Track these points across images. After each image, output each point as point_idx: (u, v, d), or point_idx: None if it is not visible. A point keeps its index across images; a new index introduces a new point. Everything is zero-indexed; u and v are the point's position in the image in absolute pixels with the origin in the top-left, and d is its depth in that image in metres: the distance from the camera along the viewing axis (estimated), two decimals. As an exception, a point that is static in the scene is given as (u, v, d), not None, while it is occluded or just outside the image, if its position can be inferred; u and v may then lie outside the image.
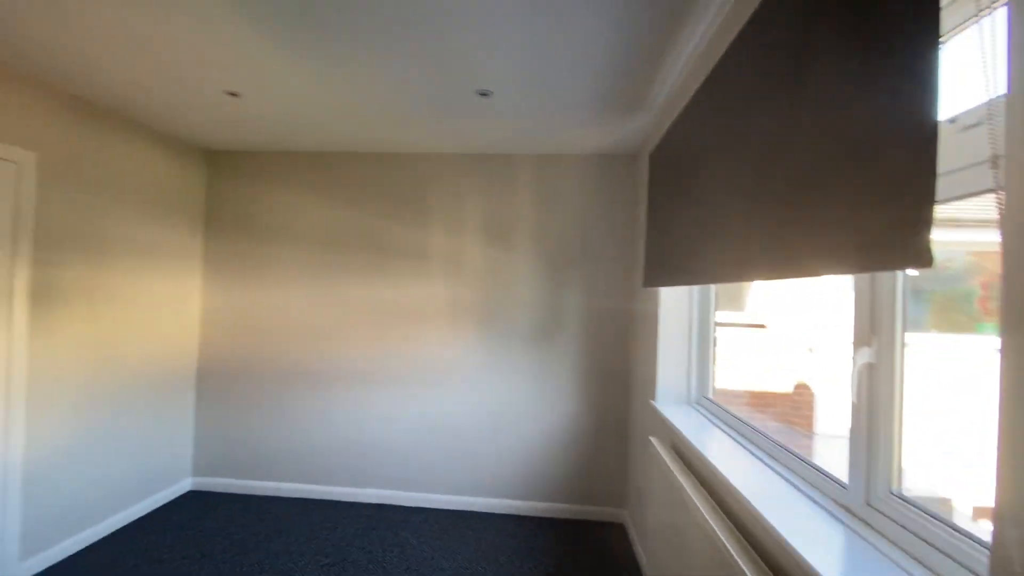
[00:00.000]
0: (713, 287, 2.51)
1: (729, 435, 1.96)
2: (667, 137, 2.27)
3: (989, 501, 0.71)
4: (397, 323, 3.38)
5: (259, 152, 3.49)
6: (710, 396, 2.42)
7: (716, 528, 1.44)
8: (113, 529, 2.86)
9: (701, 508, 1.57)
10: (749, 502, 1.34)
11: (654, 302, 2.68)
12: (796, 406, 2.70)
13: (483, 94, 2.34)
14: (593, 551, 2.81)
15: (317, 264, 3.44)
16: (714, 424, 2.14)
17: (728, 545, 1.35)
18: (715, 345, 2.51)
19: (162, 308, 3.19)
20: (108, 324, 2.81)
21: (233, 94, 2.44)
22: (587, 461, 3.25)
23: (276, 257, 3.47)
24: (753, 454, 1.72)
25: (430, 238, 3.36)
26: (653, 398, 2.58)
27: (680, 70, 2.08)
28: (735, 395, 2.87)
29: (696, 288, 2.54)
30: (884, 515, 1.15)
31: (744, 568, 1.23)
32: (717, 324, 2.62)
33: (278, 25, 1.79)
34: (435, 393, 3.34)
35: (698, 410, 2.39)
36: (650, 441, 2.35)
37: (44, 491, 2.48)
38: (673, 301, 2.56)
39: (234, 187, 3.52)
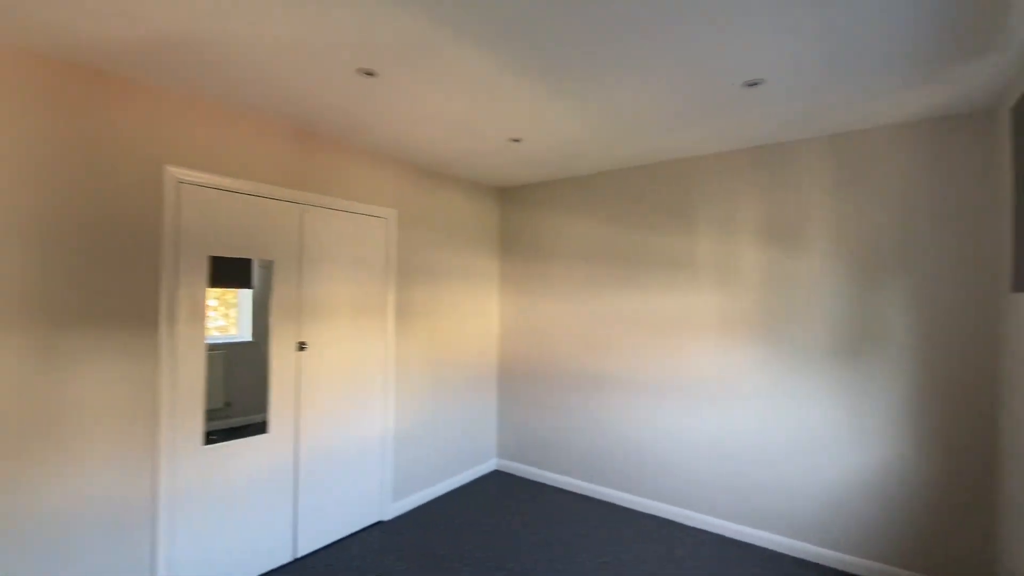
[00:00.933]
0: None
1: None
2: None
3: None
4: (664, 333, 3.32)
5: (537, 183, 4.00)
6: None
7: None
8: (445, 490, 3.69)
9: None
10: None
11: (1034, 312, 1.89)
12: None
13: (751, 84, 2.12)
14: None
15: (586, 277, 3.70)
16: None
17: None
18: None
19: (471, 319, 3.98)
20: (439, 332, 3.68)
21: (516, 140, 2.88)
22: (919, 517, 2.50)
23: (552, 273, 3.89)
24: None
25: (697, 244, 3.20)
26: (1039, 450, 1.81)
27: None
28: None
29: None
30: None
31: None
32: None
33: (549, 77, 2.04)
34: (712, 412, 3.14)
35: None
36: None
37: (405, 455, 3.40)
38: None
39: (520, 216, 4.12)
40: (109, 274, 2.08)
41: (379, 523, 3.19)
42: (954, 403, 2.43)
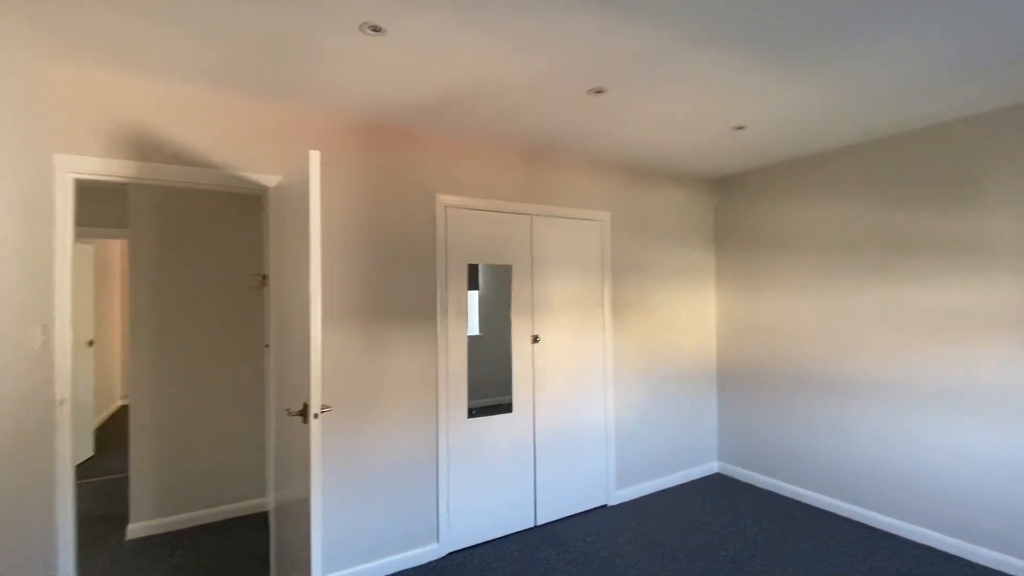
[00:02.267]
0: None
1: None
2: None
3: None
4: (932, 330, 2.78)
5: (755, 169, 3.73)
6: None
7: None
8: (664, 487, 3.72)
9: None
10: None
11: None
12: None
13: (1077, 13, 1.66)
14: None
15: (821, 267, 3.30)
16: None
17: None
18: None
19: (686, 315, 3.92)
20: (652, 327, 3.73)
21: (739, 127, 2.78)
22: None
23: (779, 266, 3.58)
24: None
25: (989, 220, 2.59)
26: None
27: None
28: None
29: None
30: None
31: None
32: None
33: (779, 57, 1.95)
34: (1006, 427, 2.51)
35: None
36: None
37: (625, 445, 3.55)
38: None
39: (737, 206, 3.90)
40: (407, 282, 2.74)
41: (604, 506, 3.40)
42: None
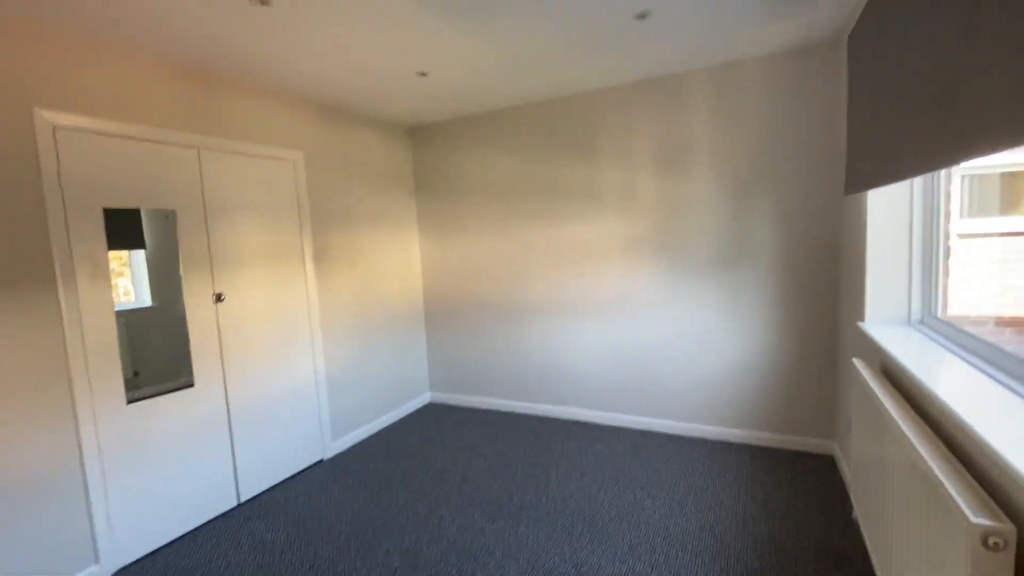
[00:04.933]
0: (947, 187, 2.06)
1: (963, 357, 1.68)
2: (868, 10, 1.90)
3: None
4: (575, 260, 3.61)
5: (447, 121, 3.99)
6: (940, 315, 2.06)
7: (923, 452, 1.33)
8: (383, 426, 3.87)
9: (906, 431, 1.45)
10: (967, 424, 1.20)
11: (860, 211, 2.33)
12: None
13: (641, 16, 2.28)
14: (799, 481, 2.72)
15: (501, 212, 3.85)
16: (942, 346, 1.84)
17: (937, 470, 1.25)
18: (947, 257, 2.09)
19: (393, 260, 4.02)
20: (360, 274, 3.69)
21: (423, 74, 2.86)
22: (789, 390, 3.07)
23: (470, 210, 4.00)
24: (997, 380, 1.46)
25: (601, 174, 3.45)
26: (862, 319, 2.31)
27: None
28: (984, 320, 2.35)
29: (917, 190, 2.13)
30: None
31: (955, 493, 1.14)
32: (964, 235, 2.17)
33: (453, 9, 2.05)
34: (618, 324, 3.52)
35: (921, 331, 2.07)
36: (852, 364, 2.14)
37: (339, 395, 3.49)
38: (885, 206, 2.20)
39: (433, 154, 4.12)
40: (-15, 232, 1.89)
41: (320, 462, 3.31)
42: (806, 298, 2.96)
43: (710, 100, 3.07)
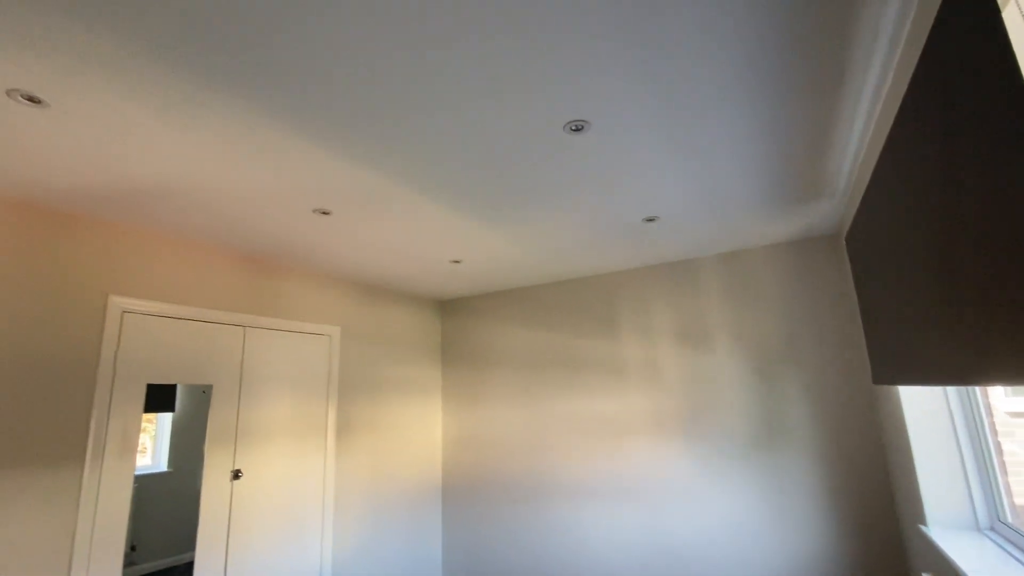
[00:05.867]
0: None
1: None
2: (858, 218, 2.11)
3: None
4: (600, 435, 3.49)
5: (475, 296, 4.29)
6: (1008, 520, 1.85)
7: None
8: (388, 628, 3.39)
9: None
10: None
11: (895, 400, 2.27)
12: None
13: (650, 220, 2.58)
14: None
15: (525, 383, 3.88)
16: (1019, 562, 1.62)
17: None
18: (1000, 453, 1.96)
19: (415, 431, 3.96)
20: (380, 446, 3.62)
21: (456, 261, 3.19)
22: (852, 603, 2.64)
23: (492, 381, 4.04)
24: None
25: (624, 349, 3.52)
26: (923, 522, 2.08)
27: (854, 153, 2.00)
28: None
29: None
30: None
31: None
32: (1014, 413, 2.07)
33: (485, 216, 2.39)
34: (647, 512, 3.24)
35: (993, 540, 1.84)
36: (925, 581, 1.87)
37: (344, 587, 3.15)
38: (920, 398, 2.14)
39: (460, 326, 4.34)
40: (41, 412, 2.00)
41: (312, 676, 2.85)
42: (857, 491, 2.72)
43: (723, 283, 3.26)
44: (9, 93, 1.44)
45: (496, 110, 1.59)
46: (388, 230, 2.58)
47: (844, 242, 2.65)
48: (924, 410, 2.13)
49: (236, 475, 2.65)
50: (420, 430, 4.02)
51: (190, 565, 2.42)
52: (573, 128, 1.71)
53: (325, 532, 3.08)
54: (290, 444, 2.97)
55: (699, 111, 1.67)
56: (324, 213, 2.31)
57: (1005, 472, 1.95)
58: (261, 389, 2.86)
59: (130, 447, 2.26)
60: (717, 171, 2.08)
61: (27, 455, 1.96)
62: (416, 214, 2.38)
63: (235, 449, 2.67)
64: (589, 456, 3.52)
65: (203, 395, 2.65)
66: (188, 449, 2.65)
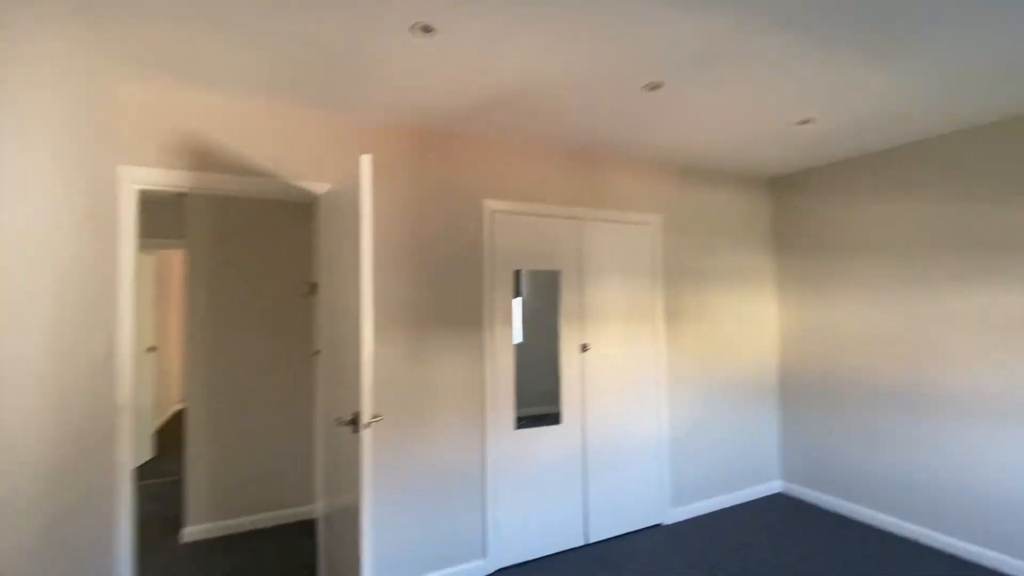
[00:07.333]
0: None
1: None
2: None
3: None
4: (1016, 340, 2.48)
5: (818, 168, 3.50)
6: None
7: None
8: (722, 506, 3.49)
9: None
10: None
11: None
12: None
13: None
14: None
15: (898, 271, 3.04)
16: None
17: None
18: None
19: (745, 323, 3.69)
20: (708, 336, 3.53)
21: (804, 122, 2.59)
22: None
23: (846, 270, 3.32)
24: None
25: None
26: None
27: None
28: None
29: None
30: None
31: None
32: None
33: (869, 44, 1.78)
34: None
35: None
36: None
37: (680, 461, 3.36)
38: None
39: (797, 206, 3.66)
40: (453, 290, 2.68)
41: (659, 525, 3.22)
42: None
43: None
44: (411, 29, 1.74)
45: None
46: (725, 94, 2.24)
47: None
48: None
49: (584, 348, 3.03)
50: (751, 322, 3.73)
51: (556, 415, 2.95)
52: None
53: (661, 406, 3.28)
54: (625, 326, 3.18)
55: None
56: (654, 88, 2.15)
57: None
58: (598, 276, 3.10)
59: (508, 319, 2.82)
60: None
61: (458, 322, 2.69)
62: (763, 66, 1.96)
63: (583, 326, 3.04)
64: (1007, 367, 2.58)
65: (548, 281, 3.04)
66: (534, 326, 3.13)
